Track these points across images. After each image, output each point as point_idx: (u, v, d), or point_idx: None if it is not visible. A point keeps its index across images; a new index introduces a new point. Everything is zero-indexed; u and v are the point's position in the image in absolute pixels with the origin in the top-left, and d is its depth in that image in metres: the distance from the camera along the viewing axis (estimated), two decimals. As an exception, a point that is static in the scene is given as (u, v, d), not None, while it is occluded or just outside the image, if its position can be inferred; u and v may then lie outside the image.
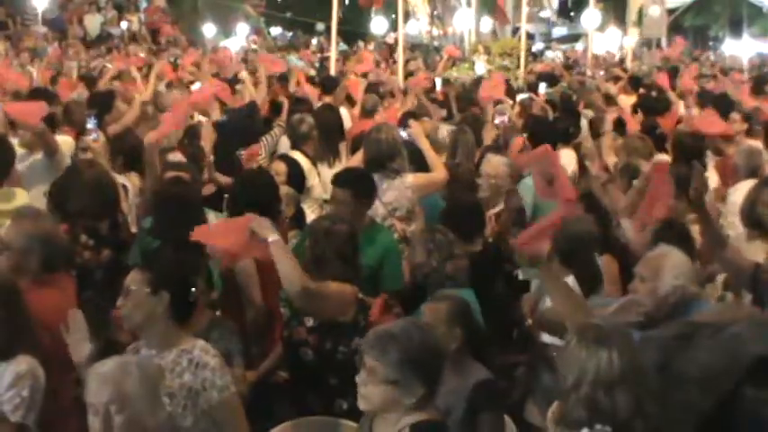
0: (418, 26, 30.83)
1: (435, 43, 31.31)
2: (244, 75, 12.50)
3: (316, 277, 4.92)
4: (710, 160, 8.77)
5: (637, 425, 3.50)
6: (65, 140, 7.90)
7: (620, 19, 30.76)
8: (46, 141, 7.01)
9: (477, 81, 15.41)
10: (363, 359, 3.73)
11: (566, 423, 3.61)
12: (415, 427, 3.66)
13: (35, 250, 4.83)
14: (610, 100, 12.89)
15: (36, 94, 10.52)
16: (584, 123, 10.75)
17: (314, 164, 8.28)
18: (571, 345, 3.62)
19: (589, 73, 20.07)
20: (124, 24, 30.32)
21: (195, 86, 11.43)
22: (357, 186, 6.06)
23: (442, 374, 3.84)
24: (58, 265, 4.96)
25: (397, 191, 6.85)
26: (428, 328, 3.97)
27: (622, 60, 23.66)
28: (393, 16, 26.11)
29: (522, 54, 20.59)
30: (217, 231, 5.02)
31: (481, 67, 20.00)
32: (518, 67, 19.99)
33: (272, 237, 4.82)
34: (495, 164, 7.47)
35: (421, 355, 3.70)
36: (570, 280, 5.44)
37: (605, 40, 28.70)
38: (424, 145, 7.46)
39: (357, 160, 7.37)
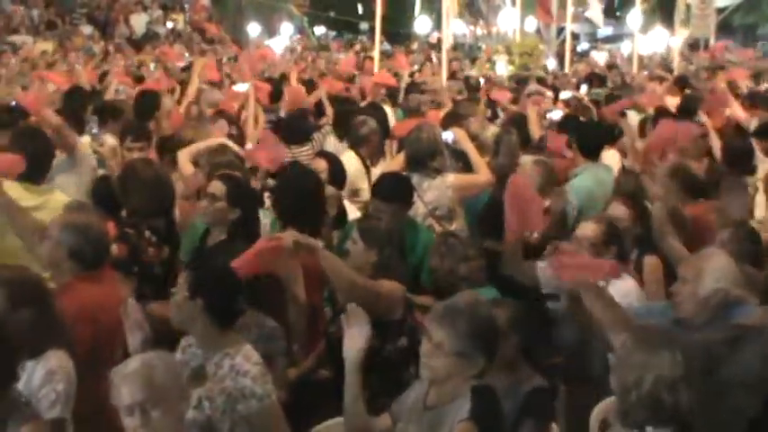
0: (462, 26, 30.71)
1: (480, 43, 31.22)
2: (291, 75, 12.56)
3: (371, 277, 4.97)
4: (761, 162, 8.63)
5: (697, 425, 3.50)
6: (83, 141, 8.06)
7: (667, 19, 30.53)
8: (63, 137, 7.06)
9: (519, 82, 15.38)
10: (429, 332, 3.92)
11: (625, 423, 3.63)
12: (475, 388, 3.86)
13: (79, 245, 4.89)
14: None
15: (75, 92, 10.65)
16: (630, 123, 10.65)
17: (366, 166, 8.26)
18: (629, 347, 3.67)
19: (634, 72, 19.92)
20: (169, 24, 30.54)
21: (238, 87, 11.46)
22: (395, 197, 6.14)
23: (499, 347, 4.05)
24: (101, 259, 5.02)
25: (437, 190, 6.87)
26: (489, 303, 4.17)
27: (666, 60, 23.45)
28: (435, 16, 26.09)
29: (567, 54, 20.50)
30: (250, 260, 5.02)
31: (502, 67, 19.96)
32: (539, 66, 19.94)
33: (317, 244, 4.87)
34: (524, 164, 7.44)
35: (485, 329, 3.94)
36: (628, 284, 5.42)
37: (651, 40, 28.47)
38: (469, 149, 7.46)
39: (398, 161, 7.41)
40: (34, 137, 6.53)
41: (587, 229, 5.56)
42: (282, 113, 11.07)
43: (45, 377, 4.14)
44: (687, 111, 10.85)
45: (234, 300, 4.40)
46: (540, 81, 15.98)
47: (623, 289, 5.33)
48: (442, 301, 4.11)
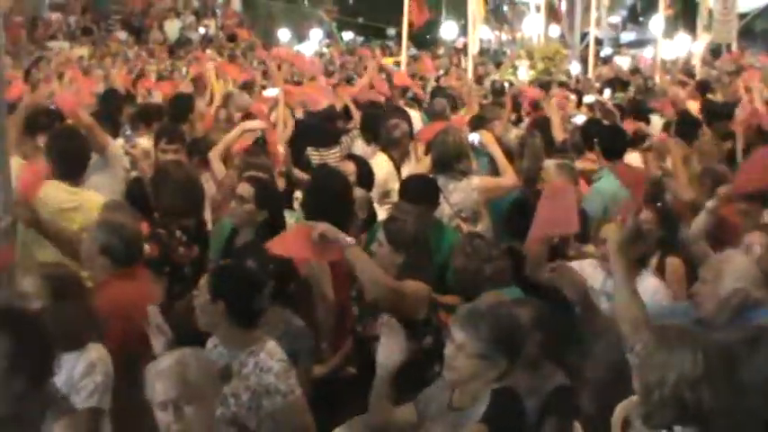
0: (487, 31, 30.68)
1: (504, 48, 31.17)
2: (321, 79, 12.57)
3: (397, 278, 4.97)
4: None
5: (718, 425, 3.47)
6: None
7: (690, 25, 30.35)
8: (95, 137, 7.09)
9: (542, 86, 15.33)
10: (453, 334, 3.93)
11: (650, 424, 3.60)
12: (495, 392, 3.86)
13: (112, 242, 4.93)
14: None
15: (110, 95, 10.71)
16: (653, 126, 10.61)
17: (397, 168, 8.26)
18: (650, 346, 3.65)
19: (657, 78, 19.82)
20: (201, 29, 30.65)
21: (268, 91, 11.50)
22: (422, 199, 6.15)
23: (522, 350, 4.04)
24: (133, 258, 5.04)
25: (463, 192, 6.89)
26: (512, 307, 4.17)
27: (688, 64, 23.31)
28: (462, 21, 26.06)
29: (591, 59, 20.42)
30: (285, 242, 5.03)
31: (523, 71, 19.92)
32: (560, 71, 19.89)
33: (347, 239, 4.84)
34: (548, 168, 7.41)
35: (507, 332, 3.93)
36: (654, 283, 5.38)
37: (674, 45, 28.33)
38: (496, 152, 7.46)
39: (425, 164, 7.41)
40: (71, 138, 6.57)
41: (612, 230, 5.52)
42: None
43: (85, 369, 4.19)
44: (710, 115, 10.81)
45: (255, 300, 4.40)
46: (563, 85, 15.95)
47: (651, 287, 5.32)
48: (466, 304, 4.10)
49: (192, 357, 3.58)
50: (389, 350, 4.25)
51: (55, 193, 5.95)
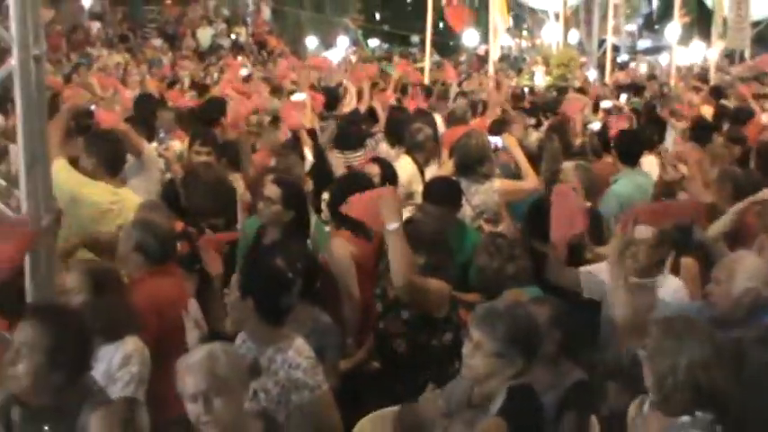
0: (508, 39, 30.64)
1: (524, 55, 31.12)
2: (347, 84, 12.58)
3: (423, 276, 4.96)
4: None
5: (736, 409, 3.47)
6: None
7: (705, 32, 30.18)
8: (130, 142, 7.13)
9: (560, 92, 15.33)
10: (471, 333, 3.92)
11: (667, 410, 3.59)
12: (511, 388, 3.84)
13: (145, 240, 4.96)
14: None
15: (143, 100, 10.76)
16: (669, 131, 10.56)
17: (421, 171, 8.26)
18: (658, 337, 3.63)
19: (672, 82, 19.74)
20: (233, 37, 30.78)
21: (295, 96, 11.51)
22: (445, 200, 6.13)
23: (539, 349, 4.02)
24: (166, 256, 5.07)
25: (485, 195, 6.87)
26: (530, 308, 4.14)
27: (704, 71, 23.21)
28: (484, 29, 26.03)
29: (608, 64, 20.37)
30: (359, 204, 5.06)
31: (540, 77, 19.89)
32: (575, 77, 19.86)
33: (393, 224, 4.81)
34: (566, 169, 7.38)
35: (524, 332, 3.91)
36: (676, 283, 5.37)
37: (689, 52, 28.18)
38: (518, 155, 7.45)
39: (448, 167, 7.40)
40: (106, 140, 6.61)
41: (643, 231, 5.42)
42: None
43: (122, 360, 4.23)
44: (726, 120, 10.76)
45: (282, 298, 4.38)
46: (580, 91, 15.90)
47: (672, 287, 5.29)
48: (483, 304, 4.08)
49: (221, 351, 3.58)
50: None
51: (100, 194, 5.98)
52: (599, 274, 5.41)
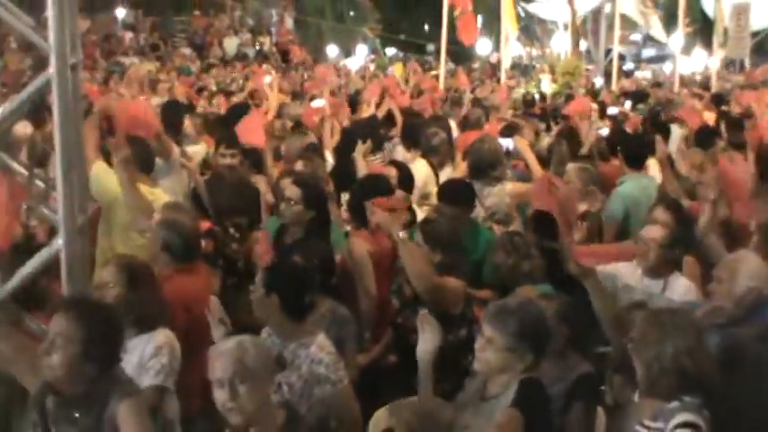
0: (519, 47, 30.59)
1: (534, 63, 31.04)
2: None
3: (437, 275, 4.97)
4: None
5: (721, 397, 3.48)
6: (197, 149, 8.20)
7: (706, 42, 30.04)
8: (162, 145, 7.14)
9: (568, 98, 15.30)
10: (483, 329, 3.92)
11: (653, 393, 3.62)
12: (522, 382, 3.84)
13: (171, 239, 4.98)
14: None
15: (171, 106, 10.78)
16: (673, 136, 10.50)
17: (436, 173, 8.25)
18: (644, 327, 3.71)
19: (675, 91, 19.67)
20: (257, 46, 30.84)
21: (316, 102, 11.51)
22: (458, 201, 6.13)
23: (548, 344, 4.03)
24: (192, 253, 5.08)
25: (496, 197, 6.87)
26: (540, 305, 4.14)
27: (706, 79, 23.12)
28: (496, 38, 26.02)
29: (614, 72, 20.33)
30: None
31: (546, 84, 19.87)
32: (580, 84, 19.86)
33: (400, 234, 4.89)
34: (570, 170, 7.35)
35: (533, 328, 3.91)
36: (686, 283, 5.30)
37: (691, 60, 28.05)
38: (529, 157, 7.44)
39: (461, 170, 7.40)
40: (138, 143, 6.62)
41: (654, 231, 5.40)
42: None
43: (154, 351, 4.24)
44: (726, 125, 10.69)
45: (306, 295, 4.40)
46: (589, 94, 15.89)
47: (682, 287, 5.22)
48: (496, 301, 4.08)
49: (251, 343, 3.60)
50: (426, 344, 4.24)
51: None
52: (617, 270, 5.35)
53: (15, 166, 4.10)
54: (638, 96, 16.70)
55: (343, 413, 4.32)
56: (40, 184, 4.10)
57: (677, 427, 3.51)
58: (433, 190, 7.77)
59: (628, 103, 15.05)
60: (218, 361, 3.53)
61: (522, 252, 5.37)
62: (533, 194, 5.27)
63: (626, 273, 5.33)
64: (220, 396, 3.49)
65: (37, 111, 8.29)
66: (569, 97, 15.95)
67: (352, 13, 32.34)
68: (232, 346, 3.57)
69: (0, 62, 20.68)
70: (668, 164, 7.21)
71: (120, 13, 30.44)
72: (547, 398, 3.98)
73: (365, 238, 5.69)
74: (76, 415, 3.47)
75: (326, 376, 4.22)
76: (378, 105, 11.89)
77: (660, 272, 5.26)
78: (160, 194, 6.22)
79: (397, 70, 22.21)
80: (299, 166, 6.92)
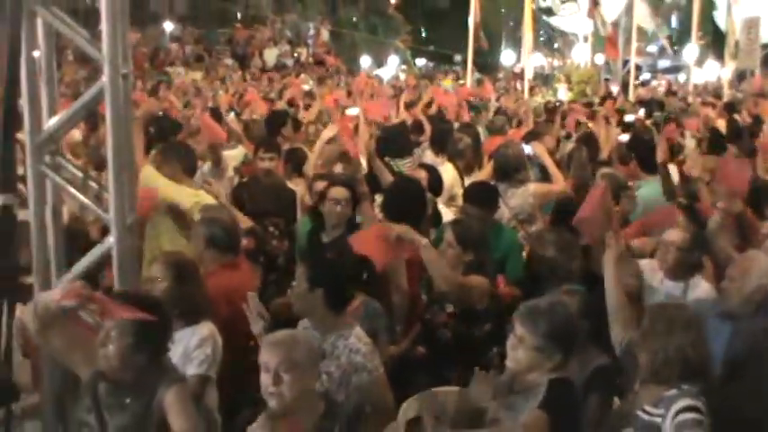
0: (541, 58, 30.47)
1: (555, 73, 30.92)
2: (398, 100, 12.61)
3: (464, 274, 4.97)
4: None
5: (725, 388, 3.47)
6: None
7: (719, 53, 29.77)
8: (216, 154, 7.19)
9: (589, 105, 15.23)
10: (514, 328, 3.86)
11: (656, 379, 3.63)
12: (552, 381, 3.79)
13: (213, 234, 5.01)
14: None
15: (215, 113, 10.89)
16: (688, 142, 10.41)
17: (461, 176, 8.24)
18: (651, 321, 3.71)
19: (690, 100, 19.50)
20: (295, 56, 30.92)
21: (350, 110, 11.51)
22: (483, 203, 6.12)
23: (577, 344, 3.97)
24: (235, 246, 5.11)
25: (520, 198, 6.85)
26: (569, 305, 4.09)
27: (718, 88, 22.91)
28: (519, 49, 25.97)
29: (631, 82, 20.22)
30: (364, 240, 5.04)
31: (562, 92, 19.78)
32: (594, 92, 19.76)
33: (423, 241, 4.87)
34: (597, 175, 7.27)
35: (563, 328, 3.85)
36: (706, 287, 5.19)
37: (705, 71, 27.81)
38: (547, 161, 7.41)
39: (486, 173, 7.38)
40: (183, 148, 6.66)
41: (674, 235, 5.28)
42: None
43: (198, 342, 4.26)
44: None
45: (346, 288, 4.42)
46: (603, 101, 15.82)
47: (703, 290, 5.14)
48: (527, 302, 4.03)
49: (301, 337, 3.65)
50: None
51: (184, 196, 6.01)
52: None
53: (71, 168, 4.13)
54: (653, 105, 16.56)
55: (379, 400, 4.31)
56: (93, 185, 4.12)
57: (680, 411, 3.51)
58: (459, 192, 7.75)
59: (641, 111, 14.90)
60: (268, 348, 3.57)
61: (573, 252, 5.21)
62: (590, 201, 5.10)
63: (647, 273, 5.28)
64: (265, 380, 3.52)
65: (91, 117, 8.38)
66: (589, 104, 15.85)
67: (384, 26, 32.33)
68: (284, 336, 3.61)
69: (58, 73, 20.87)
70: (666, 165, 7.15)
71: (168, 26, 30.63)
72: (576, 399, 3.93)
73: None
74: (127, 401, 3.50)
75: (363, 365, 4.22)
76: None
77: (680, 274, 5.18)
78: (204, 196, 6.25)
79: (445, 83, 22.42)
80: (337, 168, 6.92)
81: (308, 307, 4.36)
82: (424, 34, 36.01)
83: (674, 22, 35.62)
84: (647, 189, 7.29)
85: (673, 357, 3.57)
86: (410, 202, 5.88)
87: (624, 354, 4.16)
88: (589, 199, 4.88)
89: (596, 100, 18.19)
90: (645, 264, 5.45)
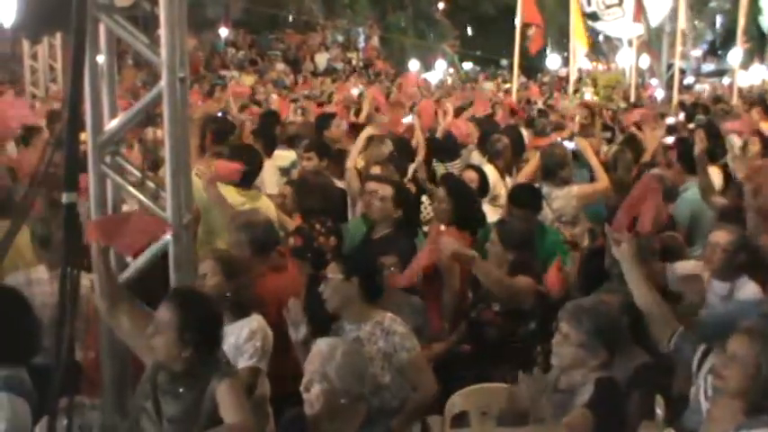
0: (586, 62, 30.22)
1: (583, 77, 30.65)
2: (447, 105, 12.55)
3: (509, 274, 4.98)
4: None
5: None
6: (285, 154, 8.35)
7: (763, 57, 29.23)
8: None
9: (626, 109, 15.11)
10: (560, 326, 3.86)
11: (752, 411, 3.36)
12: (599, 380, 3.76)
13: (251, 235, 5.02)
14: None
15: (268, 115, 10.97)
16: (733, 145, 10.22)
17: (502, 176, 8.21)
18: (738, 341, 3.42)
19: (734, 102, 19.16)
20: (346, 60, 31.02)
21: (405, 119, 11.47)
22: (527, 204, 6.12)
23: (621, 343, 3.93)
24: (275, 240, 5.17)
25: (563, 200, 6.80)
26: (613, 305, 4.06)
27: (763, 92, 22.50)
28: (565, 54, 25.75)
29: (675, 86, 19.98)
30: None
31: (588, 96, 19.62)
32: (620, 97, 19.52)
33: (473, 254, 4.89)
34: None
35: (607, 326, 3.83)
36: (754, 288, 5.05)
37: (749, 74, 27.33)
38: (591, 158, 7.34)
39: (526, 173, 7.35)
40: (249, 152, 6.69)
41: (720, 236, 5.14)
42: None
43: (248, 335, 4.28)
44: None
45: (382, 278, 4.51)
46: (633, 107, 15.68)
47: (751, 292, 5.01)
48: (572, 301, 4.01)
49: (340, 354, 3.57)
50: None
51: (231, 196, 6.03)
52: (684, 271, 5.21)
53: (130, 168, 4.19)
54: (696, 109, 16.34)
55: (420, 378, 4.37)
56: (151, 185, 4.17)
57: None
58: (502, 191, 7.73)
59: (681, 115, 14.72)
60: (310, 354, 3.62)
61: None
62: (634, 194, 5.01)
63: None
64: (303, 381, 3.57)
65: (149, 119, 8.48)
66: (626, 109, 15.72)
67: (432, 31, 32.26)
68: (325, 348, 3.61)
69: (118, 77, 21.14)
70: (704, 163, 6.91)
71: (223, 32, 30.87)
72: (621, 399, 3.88)
73: (452, 235, 5.64)
74: (181, 390, 3.54)
75: (401, 344, 4.30)
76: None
77: (726, 275, 5.08)
78: (254, 197, 6.27)
79: (486, 85, 22.31)
80: (376, 169, 6.92)
81: (343, 297, 4.37)
82: (471, 39, 35.85)
83: (718, 24, 35.11)
84: (694, 191, 7.18)
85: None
86: (465, 203, 6.07)
87: (673, 352, 4.06)
88: (643, 194, 4.83)
89: (622, 105, 17.99)
90: (688, 264, 5.38)
